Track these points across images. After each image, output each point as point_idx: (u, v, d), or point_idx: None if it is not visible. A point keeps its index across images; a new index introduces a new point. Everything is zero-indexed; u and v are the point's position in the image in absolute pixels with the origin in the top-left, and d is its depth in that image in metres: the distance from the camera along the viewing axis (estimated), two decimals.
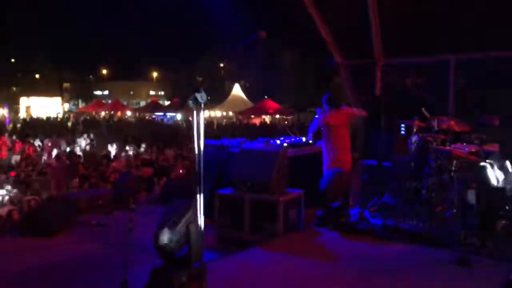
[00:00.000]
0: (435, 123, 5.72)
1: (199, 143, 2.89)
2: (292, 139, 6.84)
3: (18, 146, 16.50)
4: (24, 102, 41.46)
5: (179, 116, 34.00)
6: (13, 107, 41.10)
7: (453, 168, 5.23)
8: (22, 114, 38.46)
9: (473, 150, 5.44)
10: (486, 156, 5.27)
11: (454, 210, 5.10)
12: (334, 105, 6.18)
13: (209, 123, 27.25)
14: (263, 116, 32.24)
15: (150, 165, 11.50)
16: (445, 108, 7.00)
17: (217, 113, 36.31)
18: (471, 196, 4.94)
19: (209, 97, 3.09)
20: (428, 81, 7.72)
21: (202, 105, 3.25)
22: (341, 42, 8.33)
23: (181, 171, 10.80)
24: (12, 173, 10.70)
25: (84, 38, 44.60)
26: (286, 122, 29.36)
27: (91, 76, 55.86)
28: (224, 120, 34.25)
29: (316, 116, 6.38)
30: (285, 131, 6.89)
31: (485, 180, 4.95)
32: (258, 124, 28.61)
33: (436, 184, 5.37)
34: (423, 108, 5.80)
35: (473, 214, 4.93)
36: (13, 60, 46.45)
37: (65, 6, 42.36)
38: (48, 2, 43.68)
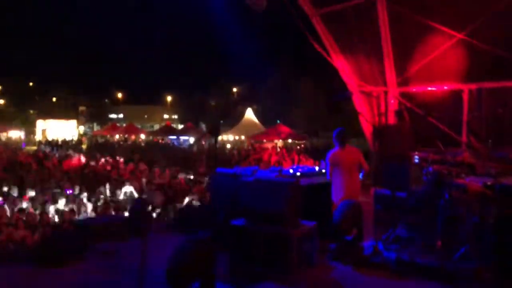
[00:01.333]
0: (449, 155, 5.68)
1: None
2: (305, 168, 6.82)
3: None
4: (41, 124, 42.22)
5: (192, 140, 34.06)
6: (30, 130, 41.93)
7: (468, 202, 5.15)
8: (38, 137, 39.08)
9: (489, 183, 5.36)
10: (502, 190, 5.18)
11: (470, 245, 5.01)
12: (342, 142, 6.33)
13: (221, 148, 27.32)
14: (275, 141, 32.24)
15: (162, 190, 11.51)
16: (459, 139, 6.97)
17: (229, 137, 36.45)
18: (487, 231, 4.85)
19: (222, 121, 3.21)
20: (442, 111, 7.71)
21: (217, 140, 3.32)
22: (354, 70, 8.42)
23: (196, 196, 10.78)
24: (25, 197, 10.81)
25: (100, 62, 45.79)
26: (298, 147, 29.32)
27: (106, 100, 56.87)
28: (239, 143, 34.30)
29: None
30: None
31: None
32: (270, 149, 28.59)
33: (451, 218, 5.29)
34: (437, 141, 5.78)
35: (489, 249, 4.83)
36: (31, 83, 47.66)
37: (82, 32, 43.74)
38: (66, 29, 45.09)
